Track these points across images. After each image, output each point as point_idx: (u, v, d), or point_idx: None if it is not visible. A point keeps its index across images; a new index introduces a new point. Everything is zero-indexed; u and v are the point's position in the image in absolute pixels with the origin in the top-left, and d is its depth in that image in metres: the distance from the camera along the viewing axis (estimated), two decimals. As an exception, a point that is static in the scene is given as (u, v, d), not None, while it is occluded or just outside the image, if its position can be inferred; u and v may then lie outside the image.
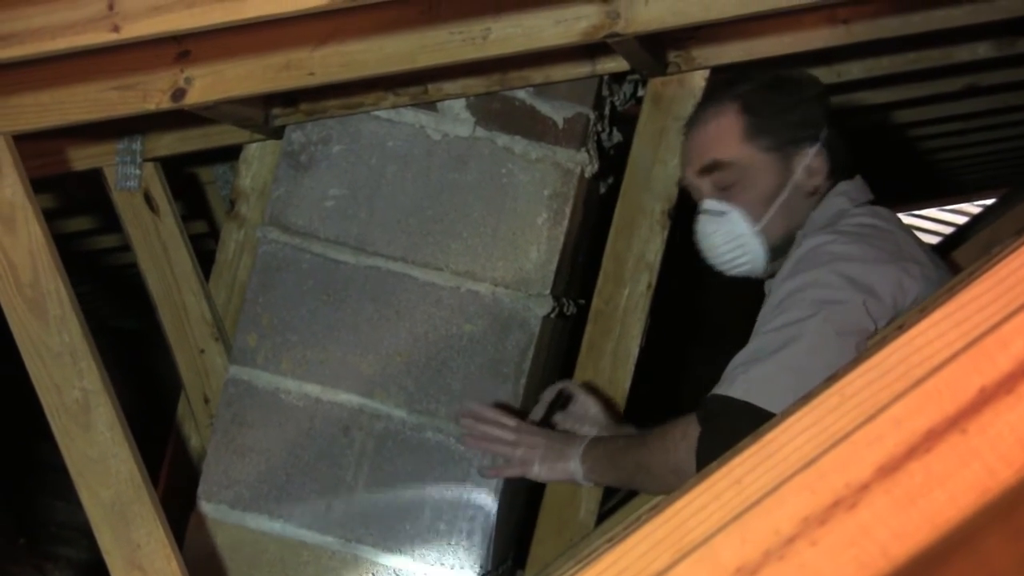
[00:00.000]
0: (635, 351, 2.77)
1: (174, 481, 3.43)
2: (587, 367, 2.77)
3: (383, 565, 2.63)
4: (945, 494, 0.76)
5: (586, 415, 2.63)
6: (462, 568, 2.62)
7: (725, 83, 2.48)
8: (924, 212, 9.12)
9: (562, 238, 2.62)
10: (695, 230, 2.47)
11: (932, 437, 0.77)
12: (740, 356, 2.18)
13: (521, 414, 2.61)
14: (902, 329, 0.84)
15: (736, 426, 2.04)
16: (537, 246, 2.62)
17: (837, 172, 2.39)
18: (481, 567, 2.62)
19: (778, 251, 2.38)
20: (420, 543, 2.62)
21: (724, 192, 2.40)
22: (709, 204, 2.43)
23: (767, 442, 0.83)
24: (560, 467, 2.46)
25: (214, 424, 2.72)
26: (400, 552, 2.63)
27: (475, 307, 2.63)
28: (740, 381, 2.12)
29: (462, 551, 2.62)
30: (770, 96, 2.39)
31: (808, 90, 2.42)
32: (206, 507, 2.67)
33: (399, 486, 2.63)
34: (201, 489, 2.69)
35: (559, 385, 2.68)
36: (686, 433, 2.22)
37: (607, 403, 2.69)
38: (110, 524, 2.35)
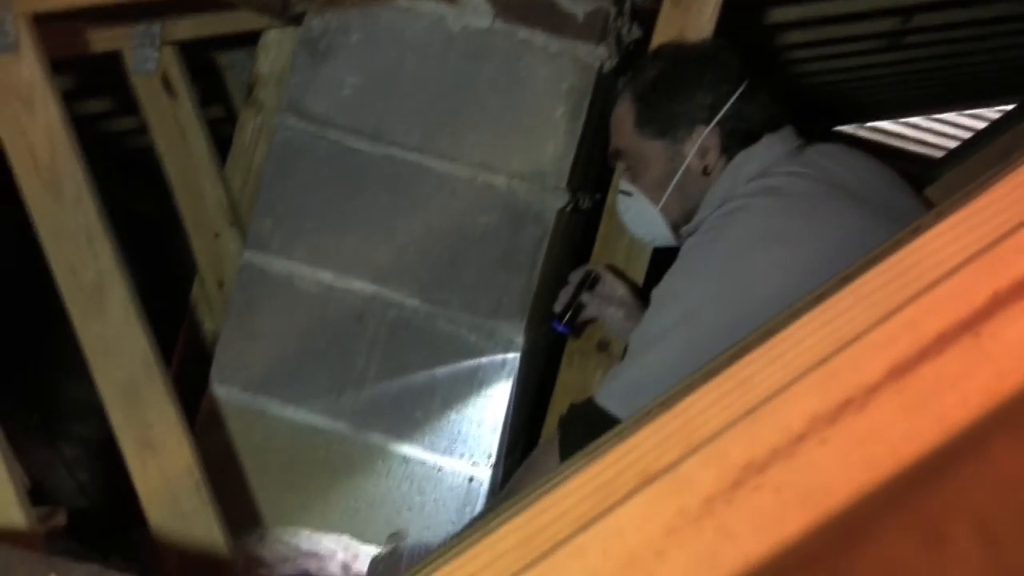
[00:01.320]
0: (649, 248, 2.77)
1: (187, 363, 3.46)
2: (601, 262, 2.77)
3: (393, 452, 2.65)
4: (956, 396, 0.76)
5: (613, 296, 2.66)
6: (472, 457, 2.64)
7: (634, 69, 2.53)
8: (942, 116, 9.04)
9: (579, 132, 2.61)
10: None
11: (944, 340, 0.78)
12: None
13: (536, 304, 2.62)
14: (918, 231, 0.84)
15: (589, 429, 2.21)
16: (554, 140, 2.61)
17: (743, 141, 2.38)
18: (490, 456, 2.64)
19: (679, 227, 2.47)
20: (430, 432, 2.64)
21: (629, 174, 2.52)
22: (622, 184, 2.55)
23: (778, 341, 0.83)
24: None
25: (228, 308, 2.74)
26: (410, 440, 2.65)
27: (490, 199, 2.63)
28: (605, 387, 2.28)
29: (472, 440, 2.64)
30: (660, 83, 2.43)
31: (707, 69, 2.41)
32: (218, 390, 2.70)
33: (411, 375, 2.65)
34: (214, 372, 2.71)
35: (585, 268, 2.70)
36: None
37: (633, 286, 2.71)
38: (122, 404, 2.38)
